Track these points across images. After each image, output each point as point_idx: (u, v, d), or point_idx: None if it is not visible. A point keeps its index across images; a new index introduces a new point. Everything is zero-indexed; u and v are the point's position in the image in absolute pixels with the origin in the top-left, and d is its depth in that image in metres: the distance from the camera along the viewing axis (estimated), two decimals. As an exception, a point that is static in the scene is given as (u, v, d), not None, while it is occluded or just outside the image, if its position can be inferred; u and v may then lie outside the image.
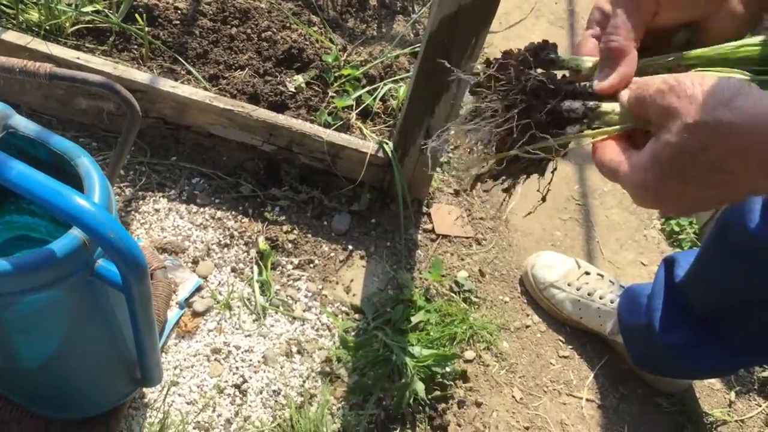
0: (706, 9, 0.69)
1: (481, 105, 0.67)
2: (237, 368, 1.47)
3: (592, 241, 1.94)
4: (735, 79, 0.57)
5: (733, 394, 1.70)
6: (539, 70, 0.68)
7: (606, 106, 0.66)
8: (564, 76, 0.70)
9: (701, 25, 0.70)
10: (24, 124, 1.01)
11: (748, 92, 0.55)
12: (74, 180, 0.98)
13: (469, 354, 1.61)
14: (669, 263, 1.49)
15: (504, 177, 0.70)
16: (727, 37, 0.69)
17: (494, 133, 0.66)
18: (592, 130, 0.66)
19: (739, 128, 0.54)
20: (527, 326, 1.71)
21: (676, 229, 1.96)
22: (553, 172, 0.70)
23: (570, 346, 1.70)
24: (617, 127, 0.66)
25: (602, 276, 1.70)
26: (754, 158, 0.54)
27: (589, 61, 0.71)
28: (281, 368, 1.49)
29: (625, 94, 0.65)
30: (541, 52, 0.70)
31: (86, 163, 0.98)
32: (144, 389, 1.39)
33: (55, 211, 0.82)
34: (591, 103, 0.66)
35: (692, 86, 0.57)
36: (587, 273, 1.70)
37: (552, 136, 0.65)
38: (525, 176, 0.70)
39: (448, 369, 1.55)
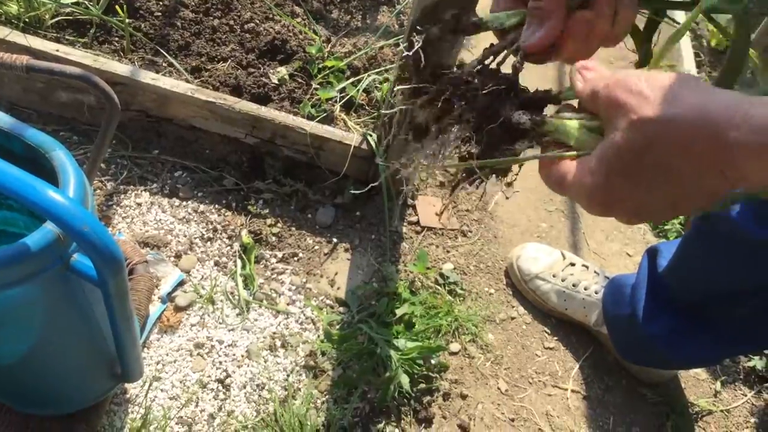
0: None
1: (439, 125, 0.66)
2: (220, 363, 1.46)
3: (578, 232, 1.93)
4: (684, 75, 0.55)
5: (718, 383, 1.71)
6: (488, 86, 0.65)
7: (553, 122, 0.64)
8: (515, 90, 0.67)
9: None
10: (-2, 117, 0.99)
11: (695, 86, 0.52)
12: (50, 174, 0.96)
13: (455, 346, 1.61)
14: (652, 253, 1.49)
15: (471, 180, 0.68)
16: None
17: (456, 148, 0.65)
18: (551, 152, 0.63)
19: (685, 124, 0.51)
20: (512, 318, 1.71)
21: (662, 219, 1.96)
22: (519, 168, 0.69)
23: (555, 338, 1.70)
24: (576, 153, 0.62)
25: (587, 267, 1.70)
26: (703, 155, 0.51)
27: (511, 16, 0.69)
28: (265, 362, 1.48)
29: (583, 87, 0.62)
30: (463, 18, 0.69)
31: (61, 156, 0.96)
32: (126, 384, 1.38)
33: (29, 204, 0.81)
34: (537, 117, 0.64)
35: (638, 81, 0.55)
36: (572, 264, 1.70)
37: (503, 150, 0.64)
38: (493, 175, 0.68)
39: (433, 361, 1.54)
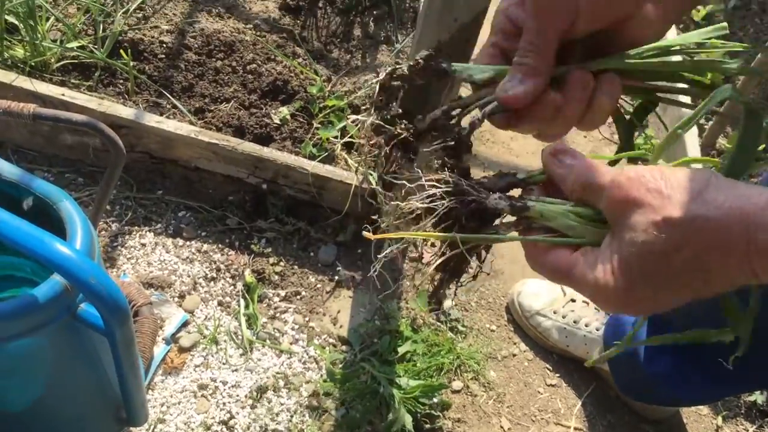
0: (623, 15, 0.63)
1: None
2: (224, 404, 1.46)
3: (578, 267, 1.94)
4: (701, 170, 0.53)
5: (720, 419, 1.71)
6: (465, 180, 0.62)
7: (536, 207, 0.61)
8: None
9: (614, 31, 0.65)
10: (7, 169, 1.02)
11: (718, 184, 0.51)
12: (57, 223, 0.98)
13: (457, 384, 1.61)
14: (653, 291, 1.50)
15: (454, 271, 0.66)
16: (639, 42, 0.65)
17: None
18: (538, 235, 0.61)
19: (717, 223, 0.50)
20: (514, 355, 1.71)
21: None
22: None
23: (557, 374, 1.70)
24: (569, 240, 0.59)
25: (588, 303, 1.71)
26: (735, 254, 0.49)
27: (486, 71, 0.66)
28: (268, 403, 1.48)
29: (565, 174, 0.59)
30: (432, 62, 0.65)
31: (68, 207, 0.98)
32: (131, 429, 1.39)
33: (37, 257, 0.82)
34: (518, 203, 0.61)
35: (654, 179, 0.53)
36: (573, 300, 1.71)
37: (479, 232, 0.61)
38: (474, 256, 0.65)
39: (435, 400, 1.55)
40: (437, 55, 0.66)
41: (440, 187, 0.61)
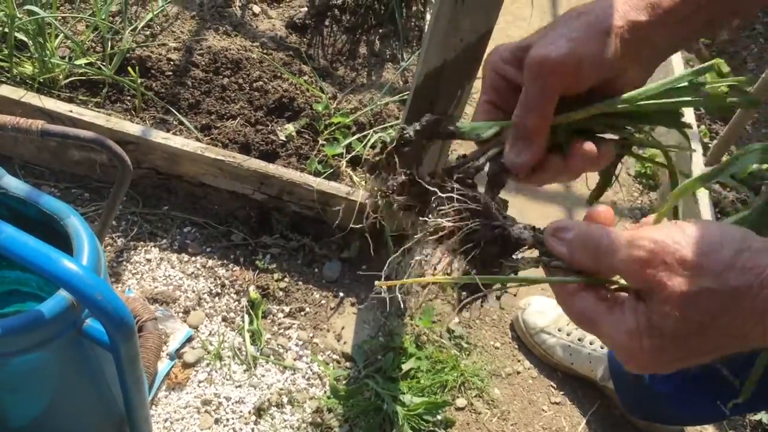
0: (620, 68, 0.64)
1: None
2: (227, 420, 1.46)
3: (583, 284, 1.94)
4: (731, 231, 0.51)
5: (725, 438, 1.70)
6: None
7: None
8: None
9: (605, 83, 0.65)
10: (15, 185, 1.03)
11: (752, 247, 0.49)
12: (64, 239, 0.99)
13: (461, 401, 1.61)
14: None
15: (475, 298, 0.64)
16: (637, 85, 0.65)
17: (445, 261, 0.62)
18: (554, 276, 0.59)
19: (757, 292, 0.48)
20: (518, 372, 1.71)
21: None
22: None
23: (562, 392, 1.70)
24: (584, 278, 0.58)
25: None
26: (766, 318, 0.48)
27: (492, 128, 0.68)
28: (272, 420, 1.48)
29: (567, 251, 0.58)
30: (438, 126, 0.67)
31: (75, 223, 0.99)
32: (134, 443, 1.38)
33: (43, 273, 0.83)
34: (541, 234, 0.60)
35: (677, 247, 0.51)
36: (577, 318, 1.71)
37: (500, 264, 0.60)
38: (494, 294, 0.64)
39: (439, 417, 1.55)
40: (443, 119, 0.68)
41: (470, 205, 0.61)
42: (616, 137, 0.69)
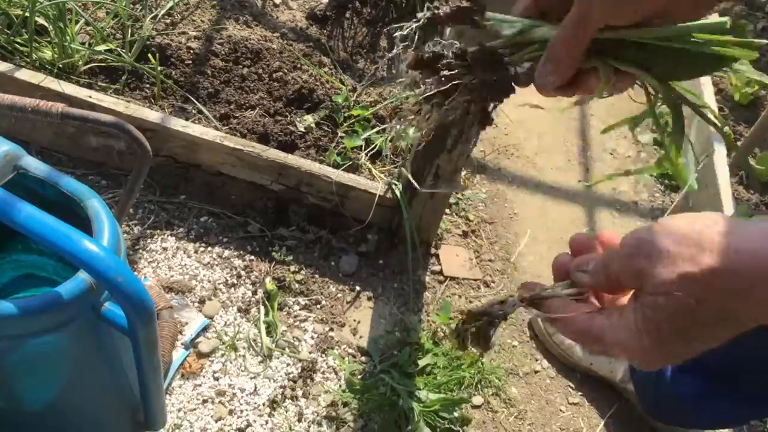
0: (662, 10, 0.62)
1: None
2: (241, 411, 1.44)
3: (602, 284, 1.91)
4: (702, 216, 0.53)
5: (746, 443, 1.67)
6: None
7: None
8: None
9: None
10: (35, 165, 1.01)
11: (722, 230, 0.51)
12: (83, 222, 0.97)
13: (477, 399, 1.59)
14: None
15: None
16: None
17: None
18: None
19: (736, 271, 0.50)
20: (536, 371, 1.68)
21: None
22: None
23: (580, 393, 1.67)
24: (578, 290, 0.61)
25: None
26: (760, 300, 0.50)
27: (515, 25, 0.67)
28: (286, 412, 1.46)
29: (597, 280, 0.59)
30: (470, 14, 0.67)
31: (96, 205, 0.97)
32: (147, 432, 1.37)
33: (64, 254, 0.81)
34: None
35: (658, 238, 0.53)
36: (597, 318, 1.68)
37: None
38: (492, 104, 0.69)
39: (455, 414, 1.52)
40: (476, 8, 0.68)
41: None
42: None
